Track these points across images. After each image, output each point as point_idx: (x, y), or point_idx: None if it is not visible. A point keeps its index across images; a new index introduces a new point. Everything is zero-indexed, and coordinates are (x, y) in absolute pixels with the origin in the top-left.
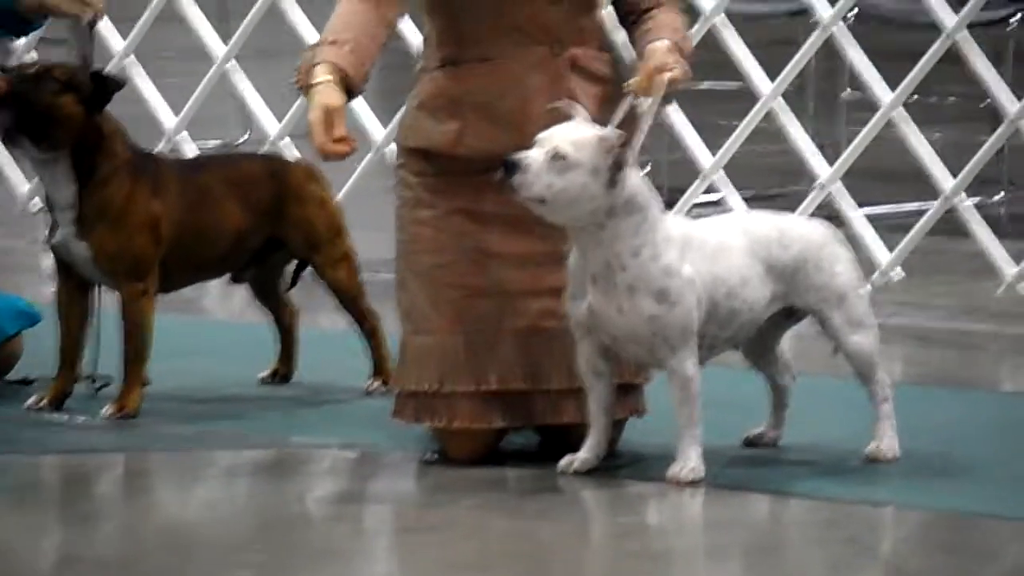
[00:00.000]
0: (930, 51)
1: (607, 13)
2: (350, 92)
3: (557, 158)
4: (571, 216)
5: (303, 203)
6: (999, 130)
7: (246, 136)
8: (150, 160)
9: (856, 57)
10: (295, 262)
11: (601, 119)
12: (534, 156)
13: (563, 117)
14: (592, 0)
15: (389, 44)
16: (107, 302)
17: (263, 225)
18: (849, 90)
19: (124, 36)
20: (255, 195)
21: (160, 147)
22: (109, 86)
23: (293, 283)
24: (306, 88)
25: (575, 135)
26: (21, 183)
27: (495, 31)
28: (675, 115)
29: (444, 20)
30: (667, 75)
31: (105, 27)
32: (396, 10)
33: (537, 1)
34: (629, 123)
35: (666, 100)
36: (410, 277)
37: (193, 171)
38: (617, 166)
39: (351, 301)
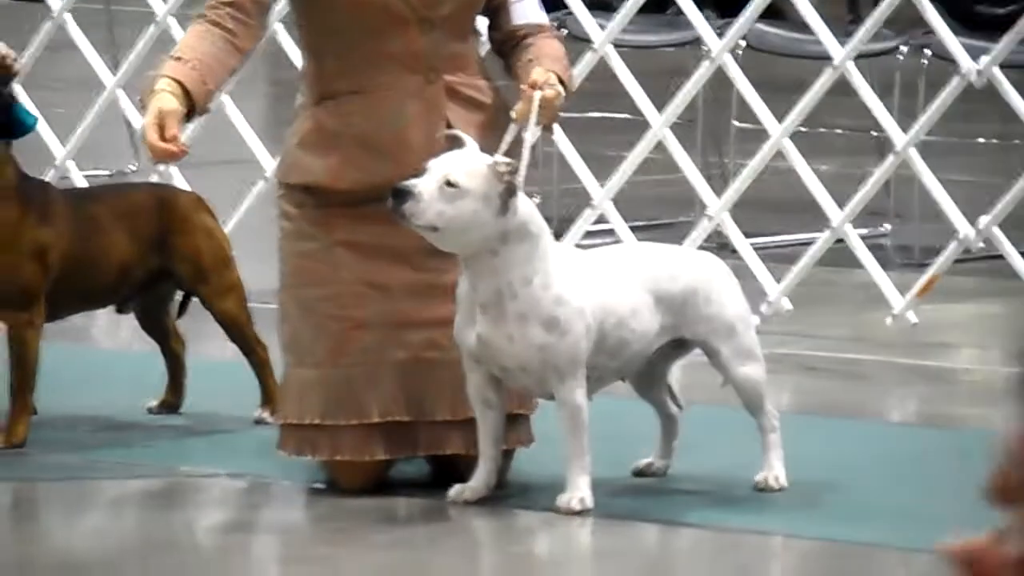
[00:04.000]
0: (818, 82)
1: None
2: (191, 109)
3: (448, 186)
4: (463, 244)
5: (190, 233)
6: (886, 161)
7: (135, 166)
8: (40, 188)
9: (745, 88)
10: (181, 292)
11: (482, 146)
12: (425, 184)
13: (451, 145)
14: (465, 27)
15: (273, 73)
16: None
17: (150, 256)
18: (737, 121)
19: None
20: (142, 225)
21: (48, 176)
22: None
23: (180, 313)
24: (145, 100)
25: (466, 163)
26: None
27: (368, 63)
28: (564, 145)
29: (318, 55)
30: (538, 93)
31: None
32: (247, 39)
33: (409, 31)
34: (515, 149)
35: (547, 129)
36: (292, 309)
37: (82, 201)
38: (508, 193)
39: (239, 332)
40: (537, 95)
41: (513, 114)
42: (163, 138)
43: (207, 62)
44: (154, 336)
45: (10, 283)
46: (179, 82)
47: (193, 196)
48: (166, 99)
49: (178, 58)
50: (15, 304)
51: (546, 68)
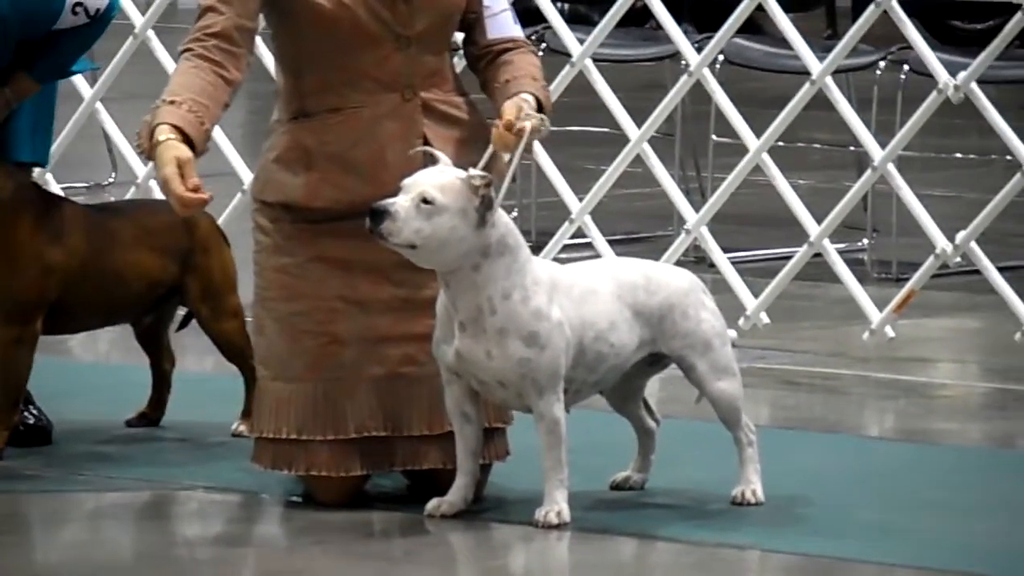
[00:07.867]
0: (796, 97)
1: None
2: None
3: (425, 203)
4: (442, 260)
5: (208, 254)
6: (864, 176)
7: (112, 178)
8: (58, 206)
9: (723, 102)
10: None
11: (460, 162)
12: (401, 203)
13: (427, 162)
14: (441, 43)
15: (251, 86)
16: None
17: (172, 272)
18: (716, 135)
19: None
20: (170, 242)
21: None
22: None
23: (181, 326)
24: (150, 149)
25: (440, 179)
26: None
27: (343, 81)
28: (543, 159)
29: (294, 72)
30: (521, 125)
31: None
32: (237, 69)
33: (383, 47)
34: (492, 165)
35: (527, 150)
36: (268, 323)
37: (104, 217)
38: (485, 206)
39: (238, 353)
40: (523, 139)
41: (491, 146)
42: (186, 187)
43: (201, 101)
44: (148, 350)
45: (5, 297)
46: (179, 128)
47: (213, 220)
48: (178, 147)
49: (172, 101)
50: (6, 318)
51: (525, 90)
